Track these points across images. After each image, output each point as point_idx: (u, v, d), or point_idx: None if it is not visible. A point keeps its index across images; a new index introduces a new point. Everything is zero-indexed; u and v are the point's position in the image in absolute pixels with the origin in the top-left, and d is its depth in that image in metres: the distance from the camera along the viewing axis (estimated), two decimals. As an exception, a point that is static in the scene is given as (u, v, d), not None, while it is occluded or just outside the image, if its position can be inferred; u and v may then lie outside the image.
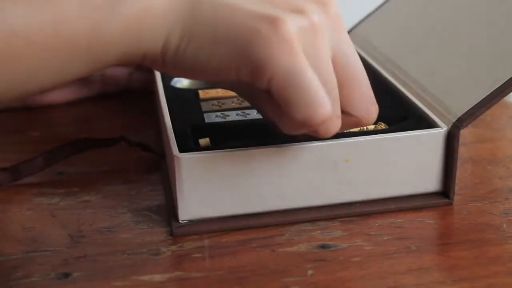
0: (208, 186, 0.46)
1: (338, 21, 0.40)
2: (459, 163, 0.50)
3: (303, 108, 0.38)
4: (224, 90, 0.57)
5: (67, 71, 0.39)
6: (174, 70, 0.41)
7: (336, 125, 0.41)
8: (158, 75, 0.60)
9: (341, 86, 0.40)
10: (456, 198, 0.50)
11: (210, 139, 0.50)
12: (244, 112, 0.53)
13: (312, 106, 0.38)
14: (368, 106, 0.42)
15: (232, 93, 0.57)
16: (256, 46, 0.37)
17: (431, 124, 0.49)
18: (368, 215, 0.48)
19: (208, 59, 0.39)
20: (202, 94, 0.57)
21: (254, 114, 0.52)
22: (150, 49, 0.39)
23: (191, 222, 0.47)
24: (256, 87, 0.39)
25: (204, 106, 0.55)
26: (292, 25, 0.37)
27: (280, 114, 0.40)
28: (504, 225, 0.47)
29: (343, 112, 0.41)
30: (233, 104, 0.55)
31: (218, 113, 0.53)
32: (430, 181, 0.49)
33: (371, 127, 0.49)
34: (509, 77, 0.48)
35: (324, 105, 0.38)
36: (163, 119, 0.51)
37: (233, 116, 0.52)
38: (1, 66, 0.36)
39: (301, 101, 0.38)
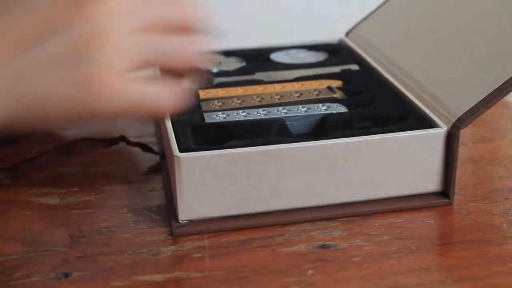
0: (208, 186, 0.46)
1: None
2: (459, 163, 0.50)
3: (150, 114, 0.42)
4: (225, 90, 0.57)
5: None
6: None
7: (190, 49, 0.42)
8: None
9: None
10: (456, 198, 0.50)
11: (210, 139, 0.50)
12: (244, 112, 0.53)
13: (156, 109, 0.41)
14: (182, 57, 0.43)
15: (233, 93, 0.57)
16: (89, 110, 0.40)
17: (431, 124, 0.49)
18: (368, 215, 0.48)
19: (46, 121, 0.41)
20: (202, 94, 0.57)
21: (254, 114, 0.52)
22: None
23: (191, 222, 0.47)
24: None
25: (204, 106, 0.55)
26: (102, 72, 0.39)
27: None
28: (504, 225, 0.47)
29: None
30: (233, 104, 0.55)
31: (218, 113, 0.53)
32: (430, 181, 0.49)
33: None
34: (509, 77, 0.48)
35: (165, 103, 0.41)
36: (163, 119, 0.51)
37: (233, 116, 0.52)
38: None
39: (147, 112, 0.41)
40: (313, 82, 0.59)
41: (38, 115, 0.40)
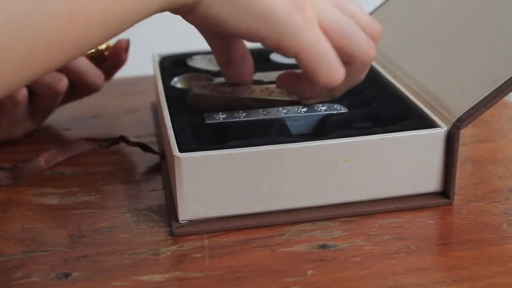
0: (208, 186, 0.46)
1: None
2: (459, 163, 0.50)
3: (325, 73, 0.46)
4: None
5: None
6: (203, 24, 0.45)
7: (372, 47, 0.48)
8: (158, 75, 0.60)
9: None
10: (456, 198, 0.50)
11: (210, 139, 0.50)
12: (244, 112, 0.53)
13: (332, 69, 0.46)
14: (366, 49, 0.48)
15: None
16: (287, 27, 0.44)
17: (431, 124, 0.49)
18: (368, 215, 0.48)
19: (238, 25, 0.44)
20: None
21: (254, 114, 0.52)
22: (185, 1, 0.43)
23: (191, 222, 0.47)
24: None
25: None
26: (312, 10, 0.45)
27: (302, 84, 0.51)
28: (504, 225, 0.47)
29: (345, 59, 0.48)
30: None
31: (219, 113, 0.53)
32: (430, 181, 0.49)
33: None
34: (509, 77, 0.48)
35: (340, 68, 0.46)
36: (163, 119, 0.51)
37: (233, 116, 0.52)
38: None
39: (324, 68, 0.45)
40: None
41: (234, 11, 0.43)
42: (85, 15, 0.38)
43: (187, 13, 0.44)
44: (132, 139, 0.58)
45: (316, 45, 0.45)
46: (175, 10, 0.44)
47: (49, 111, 0.61)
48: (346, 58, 0.47)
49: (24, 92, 0.57)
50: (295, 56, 0.45)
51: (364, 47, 0.47)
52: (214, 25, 0.44)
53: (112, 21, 0.40)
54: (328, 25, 0.46)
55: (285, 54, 0.46)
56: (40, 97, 0.58)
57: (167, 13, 0.44)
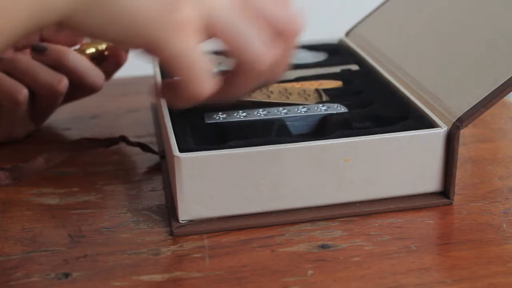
0: (208, 186, 0.46)
1: None
2: (459, 163, 0.50)
3: (189, 83, 0.42)
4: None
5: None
6: (82, 34, 0.44)
7: (270, 56, 0.43)
8: (158, 75, 0.60)
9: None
10: (456, 198, 0.50)
11: (210, 139, 0.50)
12: (244, 112, 0.53)
13: (196, 81, 0.42)
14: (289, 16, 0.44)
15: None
16: (152, 31, 0.40)
17: (431, 124, 0.49)
18: (368, 215, 0.48)
19: (106, 32, 0.40)
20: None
21: (254, 114, 0.52)
22: (52, 19, 0.39)
23: (191, 222, 0.47)
24: None
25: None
26: (189, 8, 0.40)
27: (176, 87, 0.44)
28: (504, 225, 0.47)
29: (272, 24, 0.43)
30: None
31: (218, 113, 0.53)
32: (430, 181, 0.49)
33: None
34: (509, 77, 0.48)
35: (209, 82, 0.42)
36: (163, 119, 0.51)
37: (233, 116, 0.52)
38: None
39: (192, 77, 0.42)
40: (313, 82, 0.59)
41: (104, 20, 0.40)
42: None
43: (62, 27, 0.41)
44: (132, 139, 0.58)
45: (185, 54, 0.41)
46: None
47: (49, 111, 0.61)
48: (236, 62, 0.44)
49: (25, 92, 0.57)
50: (165, 63, 0.42)
51: (255, 53, 0.43)
52: (89, 35, 0.42)
53: None
54: (215, 25, 0.42)
55: (159, 60, 0.43)
56: (40, 98, 0.58)
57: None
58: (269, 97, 0.55)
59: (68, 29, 0.41)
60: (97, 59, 0.61)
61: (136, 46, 0.41)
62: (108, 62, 0.62)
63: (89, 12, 0.39)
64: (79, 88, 0.60)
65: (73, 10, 0.39)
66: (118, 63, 0.62)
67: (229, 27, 0.42)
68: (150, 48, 0.41)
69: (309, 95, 0.56)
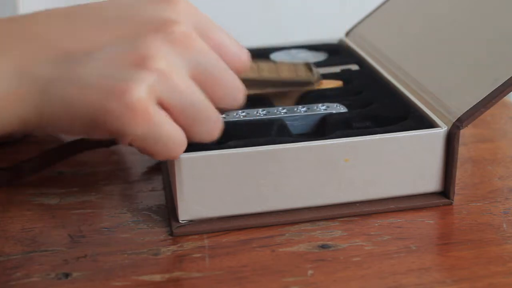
0: (208, 186, 0.46)
1: (185, 39, 0.42)
2: (459, 163, 0.50)
3: (162, 154, 0.42)
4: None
5: None
6: (54, 132, 0.44)
7: (217, 128, 0.44)
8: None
9: (209, 89, 0.43)
10: (456, 198, 0.50)
11: None
12: (243, 112, 0.53)
13: (169, 151, 0.42)
14: (235, 96, 0.44)
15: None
16: (109, 123, 0.40)
17: (431, 124, 0.49)
18: (368, 215, 0.48)
19: (69, 130, 0.41)
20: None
21: (254, 114, 0.52)
22: (10, 126, 0.41)
23: (191, 222, 0.47)
24: None
25: None
26: (138, 91, 0.39)
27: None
28: (504, 225, 0.47)
29: (218, 108, 0.44)
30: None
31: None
32: (430, 181, 0.49)
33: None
34: (509, 77, 0.48)
35: (178, 148, 0.42)
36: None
37: (232, 116, 0.52)
38: None
39: (160, 152, 0.42)
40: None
41: (56, 120, 0.40)
42: None
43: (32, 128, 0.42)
44: (132, 139, 0.58)
45: (147, 136, 0.41)
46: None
47: None
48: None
49: None
50: (133, 145, 0.42)
51: (207, 129, 0.43)
52: (60, 133, 0.43)
53: None
54: (167, 103, 0.41)
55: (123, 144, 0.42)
56: None
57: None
58: (260, 73, 0.54)
59: (38, 129, 0.42)
60: None
61: (105, 136, 0.41)
62: None
63: (44, 113, 0.40)
64: None
65: (29, 114, 0.40)
66: None
67: (176, 105, 0.41)
68: (115, 137, 0.41)
69: (299, 70, 0.56)
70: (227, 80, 0.44)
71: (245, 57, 0.45)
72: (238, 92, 0.44)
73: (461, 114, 0.48)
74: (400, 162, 0.48)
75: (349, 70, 0.62)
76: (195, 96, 0.42)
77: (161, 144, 0.41)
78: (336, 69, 0.62)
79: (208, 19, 0.44)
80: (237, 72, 0.45)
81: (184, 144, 0.43)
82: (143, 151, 0.42)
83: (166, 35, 0.41)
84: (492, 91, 0.48)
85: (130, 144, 0.42)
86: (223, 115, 0.52)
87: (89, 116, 0.40)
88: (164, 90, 0.40)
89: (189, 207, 0.47)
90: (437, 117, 0.50)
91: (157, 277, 0.42)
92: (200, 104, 0.42)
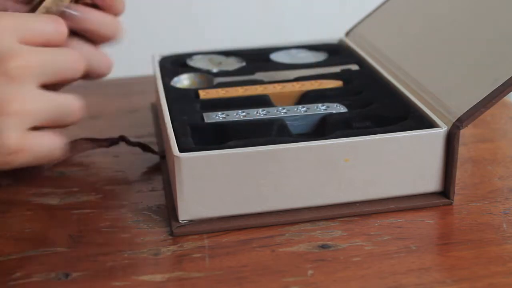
0: (208, 186, 0.46)
1: (21, 70, 0.43)
2: (459, 163, 0.50)
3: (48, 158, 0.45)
4: (225, 90, 0.57)
5: None
6: None
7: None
8: (158, 75, 0.60)
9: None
10: (456, 198, 0.50)
11: (210, 139, 0.50)
12: (244, 112, 0.53)
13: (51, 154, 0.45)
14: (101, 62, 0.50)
15: (233, 93, 0.57)
16: None
17: (431, 124, 0.49)
18: (368, 215, 0.48)
19: None
20: (202, 94, 0.57)
21: (253, 114, 0.52)
22: None
23: (191, 222, 0.47)
24: None
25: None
26: (9, 138, 0.41)
27: None
28: (504, 225, 0.47)
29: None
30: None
31: (218, 113, 0.53)
32: (430, 181, 0.49)
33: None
34: (509, 77, 0.48)
35: (58, 149, 0.46)
36: (163, 119, 0.51)
37: (233, 116, 0.52)
38: None
39: (47, 158, 0.45)
40: (313, 82, 0.59)
41: None
42: None
43: None
44: (132, 139, 0.58)
45: (32, 160, 0.44)
46: None
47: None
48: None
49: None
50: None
51: (72, 118, 0.47)
52: None
53: None
54: (39, 123, 0.44)
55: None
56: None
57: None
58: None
59: None
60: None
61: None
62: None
63: None
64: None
65: None
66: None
67: (49, 118, 0.44)
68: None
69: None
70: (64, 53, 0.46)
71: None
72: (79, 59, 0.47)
73: (461, 114, 0.48)
74: (400, 162, 0.48)
75: (349, 70, 0.62)
76: (53, 103, 0.45)
77: (46, 152, 0.44)
78: (336, 69, 0.62)
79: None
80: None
81: (59, 149, 0.46)
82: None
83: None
84: (492, 91, 0.48)
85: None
86: (223, 115, 0.52)
87: None
88: (28, 121, 0.42)
89: (189, 207, 0.47)
90: (437, 117, 0.50)
91: (157, 277, 0.42)
92: (59, 102, 0.45)
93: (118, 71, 0.64)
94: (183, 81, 0.61)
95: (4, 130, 0.41)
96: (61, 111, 0.46)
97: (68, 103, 0.46)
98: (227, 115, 0.52)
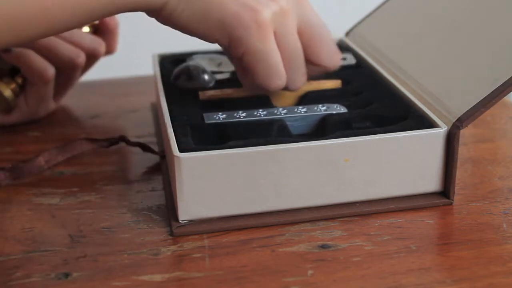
0: (208, 186, 0.46)
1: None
2: (459, 163, 0.50)
3: (263, 77, 0.49)
4: (225, 90, 0.57)
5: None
6: (169, 25, 0.49)
7: (302, 81, 0.52)
8: (158, 75, 0.60)
9: (308, 45, 0.51)
10: (456, 198, 0.50)
11: (210, 139, 0.50)
12: (244, 112, 0.53)
13: (271, 77, 0.49)
14: (331, 55, 0.53)
15: (233, 94, 0.57)
16: (237, 29, 0.47)
17: (431, 124, 0.49)
18: (368, 215, 0.48)
19: (197, 27, 0.48)
20: (202, 94, 0.57)
21: (253, 114, 0.52)
22: (150, 5, 0.47)
23: (191, 222, 0.47)
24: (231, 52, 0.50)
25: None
26: (267, 13, 0.48)
27: (245, 75, 0.51)
28: (504, 225, 0.47)
29: (314, 64, 0.52)
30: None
31: (218, 113, 0.53)
32: (430, 181, 0.49)
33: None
34: (509, 77, 0.48)
35: (280, 78, 0.50)
36: (163, 119, 0.51)
37: (233, 116, 0.52)
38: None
39: (263, 73, 0.49)
40: (313, 82, 0.59)
41: (187, 16, 0.47)
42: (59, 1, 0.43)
43: (154, 15, 0.48)
44: (132, 139, 0.58)
45: (264, 52, 0.48)
46: (145, 12, 0.48)
47: (68, 87, 0.65)
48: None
49: (52, 70, 0.61)
50: (241, 56, 0.48)
51: (296, 77, 0.51)
52: (177, 28, 0.48)
53: (84, 9, 0.44)
54: (279, 35, 0.49)
55: (233, 54, 0.49)
56: (60, 74, 0.62)
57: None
58: None
59: (158, 18, 0.48)
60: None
61: (220, 41, 0.48)
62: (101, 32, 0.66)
63: (185, 9, 0.47)
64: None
65: (166, 4, 0.46)
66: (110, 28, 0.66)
67: (285, 43, 0.49)
68: (232, 44, 0.48)
69: None
70: (324, 41, 0.52)
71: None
72: (335, 53, 0.53)
73: (461, 114, 0.48)
74: (400, 162, 0.48)
75: (349, 70, 0.62)
76: (297, 44, 0.50)
77: (264, 65, 0.48)
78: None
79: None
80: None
81: (283, 79, 0.50)
82: (246, 66, 0.49)
83: None
84: (492, 91, 0.48)
85: (238, 59, 0.49)
86: (224, 115, 0.52)
87: (222, 19, 0.47)
88: (278, 24, 0.48)
89: (189, 207, 0.47)
90: (437, 117, 0.50)
91: (157, 277, 0.42)
92: (296, 52, 0.50)
93: (118, 71, 0.65)
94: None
95: (266, 6, 0.48)
96: (295, 56, 0.50)
97: (302, 62, 0.51)
98: (227, 115, 0.52)
